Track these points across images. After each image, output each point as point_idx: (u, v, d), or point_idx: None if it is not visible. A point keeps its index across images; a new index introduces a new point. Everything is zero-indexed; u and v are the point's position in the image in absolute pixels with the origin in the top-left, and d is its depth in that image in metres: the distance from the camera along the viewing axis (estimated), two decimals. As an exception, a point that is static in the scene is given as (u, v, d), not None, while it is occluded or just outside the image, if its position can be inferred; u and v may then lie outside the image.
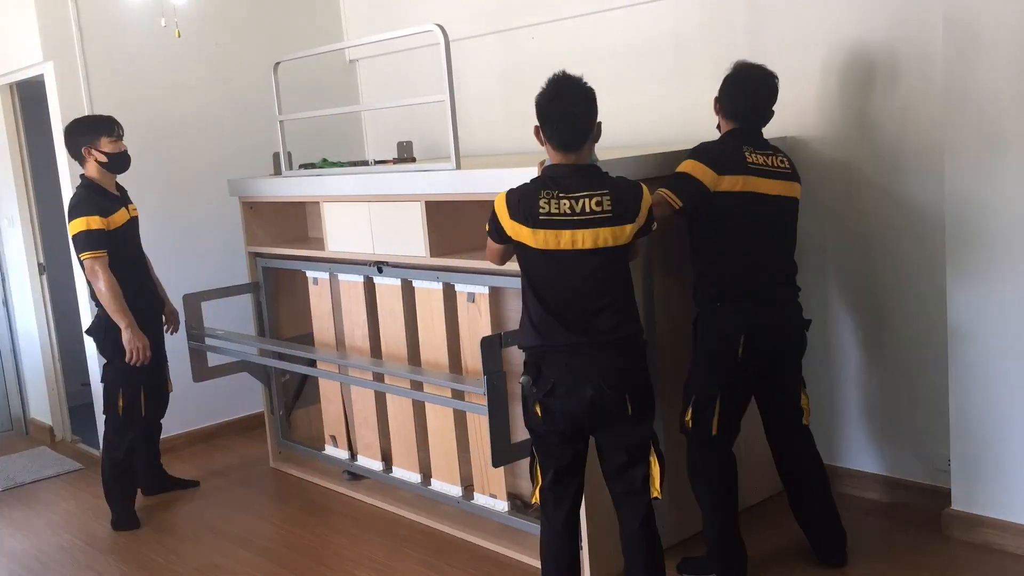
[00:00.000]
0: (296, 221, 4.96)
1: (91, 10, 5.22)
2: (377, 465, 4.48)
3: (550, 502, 3.09)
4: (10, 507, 4.96)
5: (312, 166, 4.69)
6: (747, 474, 4.07)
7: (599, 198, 2.86)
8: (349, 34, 6.14)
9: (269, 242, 4.85)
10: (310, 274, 4.68)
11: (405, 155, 5.19)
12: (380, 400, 4.44)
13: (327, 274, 4.57)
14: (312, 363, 4.70)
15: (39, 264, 5.83)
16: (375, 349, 4.39)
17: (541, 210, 2.86)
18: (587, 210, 2.85)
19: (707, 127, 3.84)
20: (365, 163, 4.87)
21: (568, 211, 2.85)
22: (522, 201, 2.90)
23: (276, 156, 4.83)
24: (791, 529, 3.84)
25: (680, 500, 3.79)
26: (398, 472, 4.37)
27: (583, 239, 2.85)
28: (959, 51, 3.41)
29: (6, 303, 6.17)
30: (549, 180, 2.92)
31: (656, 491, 3.00)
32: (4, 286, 6.15)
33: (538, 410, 2.96)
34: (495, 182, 3.56)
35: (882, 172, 3.86)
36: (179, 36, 4.85)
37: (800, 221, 4.08)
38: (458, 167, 3.68)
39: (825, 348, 4.14)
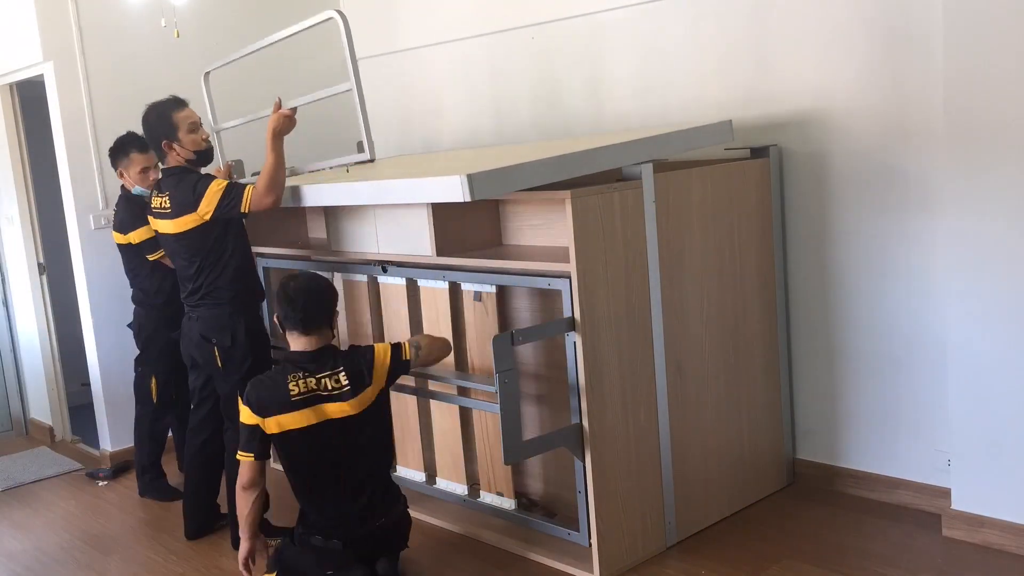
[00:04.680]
0: (297, 221, 4.96)
1: (91, 10, 5.22)
2: (380, 465, 4.49)
3: None
4: (10, 507, 4.95)
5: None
6: (747, 471, 4.10)
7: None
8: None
9: (270, 242, 4.86)
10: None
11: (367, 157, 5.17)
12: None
13: (330, 274, 4.57)
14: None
15: (39, 264, 5.82)
16: (379, 349, 4.40)
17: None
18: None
19: (708, 121, 3.87)
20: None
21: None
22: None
23: (233, 164, 4.81)
24: (791, 528, 3.87)
25: (684, 499, 3.82)
26: (402, 471, 4.38)
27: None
28: (960, 37, 3.42)
29: (6, 303, 6.16)
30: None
31: None
32: (4, 286, 6.15)
33: None
34: (412, 192, 3.58)
35: (880, 170, 3.88)
36: (179, 36, 4.84)
37: (798, 220, 4.14)
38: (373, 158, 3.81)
39: (825, 347, 4.17)
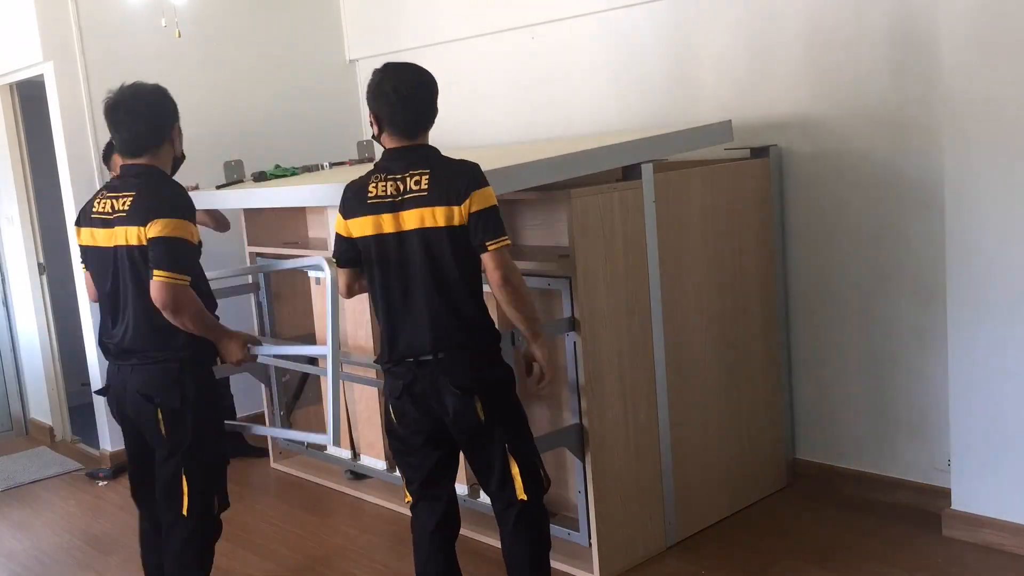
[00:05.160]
0: (296, 221, 4.96)
1: (91, 10, 5.21)
2: (380, 464, 4.48)
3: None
4: (10, 507, 4.96)
5: (263, 175, 4.66)
6: (747, 471, 4.10)
7: (418, 176, 2.87)
8: (349, 34, 6.15)
9: (270, 242, 4.86)
10: (312, 274, 4.68)
11: (366, 155, 5.17)
12: (383, 398, 4.44)
13: (330, 274, 4.56)
14: (313, 363, 4.71)
15: (39, 264, 5.83)
16: (379, 349, 4.39)
17: (370, 194, 2.92)
18: (409, 189, 2.87)
19: (708, 121, 3.87)
20: (318, 167, 4.86)
21: (393, 192, 2.89)
22: (355, 193, 2.97)
23: (227, 164, 4.81)
24: (791, 528, 3.87)
25: (685, 499, 3.81)
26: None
27: (404, 220, 2.88)
28: (960, 37, 3.42)
29: (6, 303, 6.16)
30: (379, 166, 2.98)
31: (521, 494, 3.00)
32: (4, 286, 6.15)
33: (392, 415, 3.04)
34: None
35: (881, 172, 3.88)
36: (179, 36, 4.85)
37: (798, 220, 4.14)
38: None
39: (825, 347, 4.16)
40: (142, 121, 3.10)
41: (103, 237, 3.07)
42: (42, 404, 6.06)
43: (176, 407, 3.08)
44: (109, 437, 5.38)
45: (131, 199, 3.02)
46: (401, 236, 2.90)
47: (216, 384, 3.33)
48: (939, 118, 3.58)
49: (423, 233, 2.87)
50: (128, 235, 3.00)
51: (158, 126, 3.13)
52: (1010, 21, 3.29)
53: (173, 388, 3.08)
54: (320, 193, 3.89)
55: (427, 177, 2.86)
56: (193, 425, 3.11)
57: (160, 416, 3.09)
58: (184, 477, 3.14)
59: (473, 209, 2.83)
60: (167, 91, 3.20)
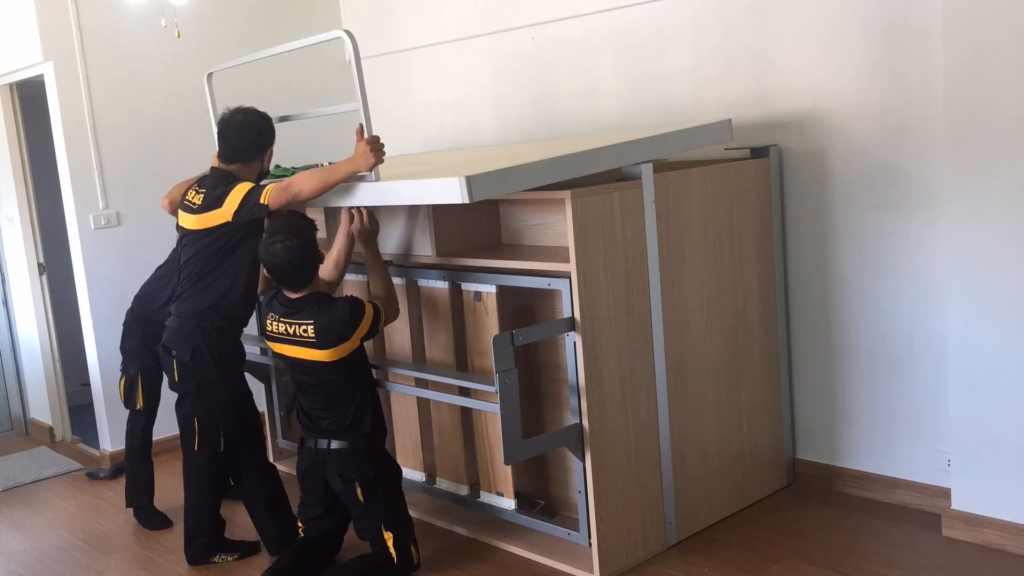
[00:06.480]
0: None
1: (91, 10, 5.22)
2: (380, 465, 4.48)
3: None
4: (10, 507, 4.96)
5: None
6: (747, 471, 4.10)
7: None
8: (349, 35, 6.15)
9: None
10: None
11: None
12: (384, 399, 4.44)
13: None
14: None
15: (39, 264, 5.83)
16: (380, 349, 4.40)
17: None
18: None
19: (708, 121, 3.87)
20: (318, 167, 4.85)
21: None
22: None
23: None
24: (791, 528, 3.87)
25: (684, 499, 3.82)
26: (403, 471, 4.37)
27: None
28: (960, 36, 3.42)
29: (6, 303, 6.16)
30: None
31: None
32: (4, 286, 6.15)
33: None
34: (411, 194, 3.51)
35: (880, 169, 3.88)
36: (179, 36, 4.85)
37: (798, 220, 4.14)
38: (377, 179, 3.56)
39: (825, 347, 4.17)
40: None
41: None
42: (42, 404, 6.06)
43: (187, 360, 3.80)
44: (109, 437, 5.38)
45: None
46: None
47: (232, 343, 3.93)
48: (938, 118, 3.58)
49: None
50: None
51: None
52: (1009, 21, 3.30)
53: (186, 344, 3.81)
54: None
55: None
56: (200, 376, 3.82)
57: (175, 366, 3.84)
58: (195, 419, 3.85)
59: None
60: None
